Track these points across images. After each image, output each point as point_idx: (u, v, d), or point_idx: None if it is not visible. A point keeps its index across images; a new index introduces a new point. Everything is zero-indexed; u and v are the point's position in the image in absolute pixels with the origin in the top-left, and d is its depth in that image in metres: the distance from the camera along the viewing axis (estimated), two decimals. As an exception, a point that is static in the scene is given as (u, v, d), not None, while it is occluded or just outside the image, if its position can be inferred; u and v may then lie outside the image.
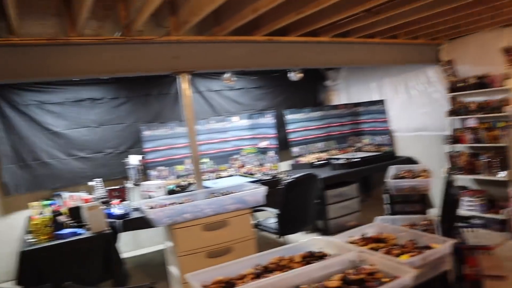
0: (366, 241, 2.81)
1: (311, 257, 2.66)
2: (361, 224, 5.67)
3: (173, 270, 3.77)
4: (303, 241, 2.93)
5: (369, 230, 3.02)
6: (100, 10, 3.49)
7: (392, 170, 4.66)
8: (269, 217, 4.91)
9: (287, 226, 4.43)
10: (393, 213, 4.26)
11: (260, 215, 5.01)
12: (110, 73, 3.60)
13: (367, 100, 7.18)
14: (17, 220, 5.33)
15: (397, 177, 4.50)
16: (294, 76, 6.06)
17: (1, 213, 5.30)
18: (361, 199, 6.28)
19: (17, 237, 5.18)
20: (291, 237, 4.82)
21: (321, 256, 2.70)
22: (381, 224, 3.09)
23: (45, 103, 5.36)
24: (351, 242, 2.81)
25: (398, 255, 2.46)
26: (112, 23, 3.73)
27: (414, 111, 6.45)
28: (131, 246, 5.91)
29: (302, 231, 4.77)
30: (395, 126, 6.82)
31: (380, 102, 6.88)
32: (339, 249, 2.71)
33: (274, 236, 4.72)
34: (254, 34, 4.17)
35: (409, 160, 6.39)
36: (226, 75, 5.89)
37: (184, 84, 3.95)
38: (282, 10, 3.65)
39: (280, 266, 2.59)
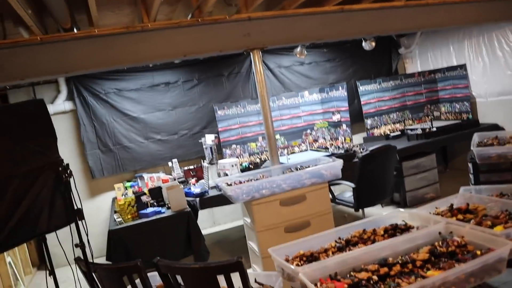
0: (453, 212, 2.66)
1: (394, 230, 2.59)
2: (440, 196, 5.44)
3: (252, 245, 3.85)
4: (385, 213, 2.85)
5: (455, 201, 2.86)
6: (171, -6, 3.56)
7: (477, 137, 4.36)
8: (345, 191, 4.84)
9: (364, 199, 4.34)
10: (479, 183, 4.01)
11: (336, 189, 4.95)
12: (184, 55, 3.68)
13: (445, 66, 6.74)
14: (104, 202, 5.75)
15: (482, 145, 4.21)
16: (368, 45, 5.83)
17: (89, 196, 5.73)
18: (439, 170, 5.98)
19: (104, 217, 5.60)
20: (368, 210, 4.73)
21: (405, 229, 2.61)
22: (467, 195, 2.91)
23: (123, 90, 5.65)
24: (437, 214, 2.69)
25: (490, 227, 2.31)
26: (183, 6, 3.80)
27: (499, 74, 5.95)
28: (208, 223, 6.14)
29: (379, 204, 4.65)
30: (477, 92, 6.35)
31: (460, 67, 6.43)
32: (425, 221, 2.60)
33: (351, 210, 4.66)
34: (325, 5, 4.04)
35: (494, 127, 5.94)
36: (298, 49, 5.81)
37: (256, 61, 3.95)
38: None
39: (363, 239, 2.54)
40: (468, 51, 6.34)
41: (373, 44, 5.83)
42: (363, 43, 5.92)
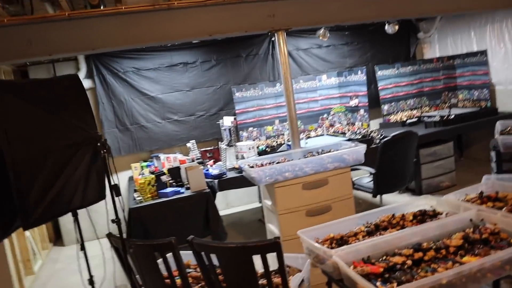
0: (482, 200, 2.66)
1: (423, 216, 2.59)
2: (455, 185, 5.41)
3: (273, 228, 3.88)
4: (412, 198, 2.86)
5: (483, 188, 2.85)
6: (198, -28, 3.52)
7: (499, 126, 4.33)
8: (363, 176, 4.84)
9: (383, 185, 4.33)
10: (501, 171, 3.99)
11: (352, 175, 4.95)
12: (209, 34, 3.65)
13: (465, 52, 6.65)
14: (120, 181, 5.75)
15: (506, 133, 4.17)
16: (391, 28, 5.75)
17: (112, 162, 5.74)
18: (455, 158, 5.95)
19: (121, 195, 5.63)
20: (385, 197, 4.73)
21: (433, 215, 2.61)
22: (496, 182, 2.89)
23: (142, 69, 5.63)
24: (466, 201, 2.68)
25: (523, 215, 2.30)
26: (208, -15, 3.75)
27: (521, 61, 5.87)
28: (222, 205, 6.18)
29: (398, 190, 4.65)
30: (497, 79, 6.27)
31: (480, 53, 6.34)
32: (453, 207, 2.60)
33: (366, 196, 4.66)
34: (350, -14, 3.98)
35: (515, 116, 5.88)
36: (321, 31, 5.74)
37: (280, 43, 3.91)
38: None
39: (392, 224, 2.55)
40: (489, 36, 6.24)
41: (396, 27, 5.75)
42: (386, 27, 5.84)
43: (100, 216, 2.70)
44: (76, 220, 2.50)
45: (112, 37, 3.43)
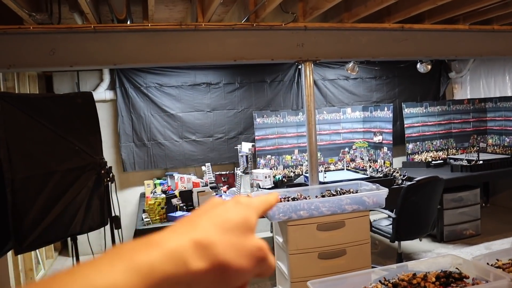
0: (515, 266, 2.41)
1: (448, 278, 2.37)
2: (480, 234, 5.11)
3: (282, 266, 3.66)
4: (435, 256, 2.63)
5: (515, 252, 2.60)
6: (228, -5, 3.43)
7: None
8: (382, 218, 4.60)
9: (403, 231, 4.08)
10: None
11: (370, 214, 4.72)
12: (234, 59, 3.53)
13: (498, 96, 6.39)
14: (132, 196, 5.67)
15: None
16: (423, 67, 5.57)
17: (117, 188, 5.65)
18: (480, 205, 5.66)
19: (131, 211, 5.52)
20: (404, 242, 4.47)
21: (459, 278, 2.38)
22: (530, 247, 2.64)
23: (164, 86, 5.56)
24: (497, 267, 2.44)
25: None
26: (238, 8, 3.66)
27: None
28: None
29: (418, 238, 4.39)
30: (530, 127, 5.99)
31: (515, 98, 6.09)
32: (482, 272, 2.37)
33: (383, 238, 4.41)
34: (385, 21, 3.83)
35: (547, 168, 5.58)
36: (350, 65, 5.60)
37: (307, 73, 3.76)
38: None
39: (412, 284, 2.32)
40: (525, 83, 6.00)
41: (429, 67, 5.57)
42: (418, 65, 5.67)
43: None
44: (74, 244, 2.35)
45: (135, 53, 3.35)
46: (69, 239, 5.54)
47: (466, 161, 5.60)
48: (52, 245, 5.70)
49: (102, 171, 1.92)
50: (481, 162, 5.55)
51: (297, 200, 3.50)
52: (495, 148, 6.46)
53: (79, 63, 3.29)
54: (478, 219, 5.51)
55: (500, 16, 4.18)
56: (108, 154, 5.46)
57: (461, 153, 6.39)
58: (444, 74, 6.91)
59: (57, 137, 1.92)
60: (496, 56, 4.83)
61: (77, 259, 2.46)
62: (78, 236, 2.34)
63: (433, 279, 2.33)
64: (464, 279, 2.33)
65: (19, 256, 4.37)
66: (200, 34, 3.50)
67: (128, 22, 3.39)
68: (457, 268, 2.47)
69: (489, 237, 5.22)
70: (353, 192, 3.63)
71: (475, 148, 6.45)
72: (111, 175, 1.94)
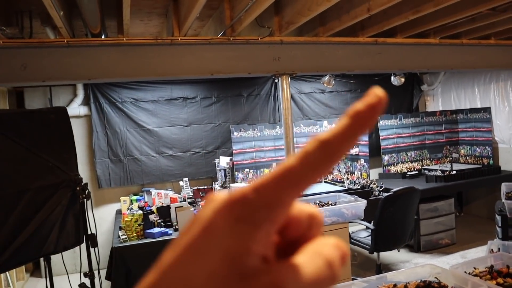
0: (492, 274, 2.45)
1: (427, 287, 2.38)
2: (455, 243, 5.19)
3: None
4: (413, 267, 2.65)
5: (493, 260, 2.65)
6: (204, 10, 3.43)
7: (505, 188, 4.15)
8: (360, 229, 4.62)
9: (382, 242, 4.11)
10: (507, 238, 3.79)
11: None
12: (211, 73, 3.52)
13: (468, 107, 6.58)
14: (107, 213, 5.53)
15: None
16: (397, 80, 5.68)
17: (92, 206, 5.51)
18: (454, 214, 5.77)
19: (106, 228, 5.38)
20: (383, 253, 4.49)
21: (439, 287, 2.40)
22: (507, 255, 2.69)
23: (140, 101, 5.49)
24: (475, 275, 2.48)
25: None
26: (214, 23, 3.67)
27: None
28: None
29: (396, 248, 4.43)
30: (500, 137, 6.17)
31: (484, 109, 6.27)
32: (460, 281, 2.39)
33: (362, 249, 4.43)
34: (359, 35, 3.91)
35: (518, 176, 5.74)
36: (326, 78, 5.66)
37: (284, 87, 3.78)
38: (395, 10, 3.36)
39: (394, 295, 2.33)
40: (494, 94, 6.19)
41: (402, 80, 5.69)
42: (392, 78, 5.78)
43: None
44: (48, 264, 2.26)
45: (110, 68, 3.30)
46: (42, 259, 5.38)
47: (440, 171, 5.71)
48: (24, 266, 5.50)
49: (78, 188, 1.86)
50: (454, 172, 5.67)
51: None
52: (467, 158, 6.62)
53: (52, 78, 3.22)
54: (453, 228, 5.60)
55: (468, 31, 4.32)
56: (83, 171, 5.32)
57: (435, 164, 6.52)
58: (416, 87, 7.07)
59: (29, 153, 1.86)
60: (466, 69, 4.98)
61: (51, 280, 2.37)
62: (52, 256, 2.26)
63: (414, 289, 2.34)
64: (444, 288, 2.35)
65: (-12, 279, 4.19)
66: (177, 49, 3.48)
67: (103, 37, 3.35)
68: (436, 278, 2.49)
69: (464, 246, 5.31)
70: (332, 204, 3.65)
71: (448, 158, 6.59)
72: (87, 191, 1.88)
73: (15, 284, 5.09)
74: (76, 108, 5.31)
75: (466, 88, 6.63)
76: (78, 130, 5.37)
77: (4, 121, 1.89)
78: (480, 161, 6.36)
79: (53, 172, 1.86)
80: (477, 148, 6.46)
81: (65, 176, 1.89)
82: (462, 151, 6.75)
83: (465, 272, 2.52)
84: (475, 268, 2.54)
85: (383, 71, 5.14)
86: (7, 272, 4.83)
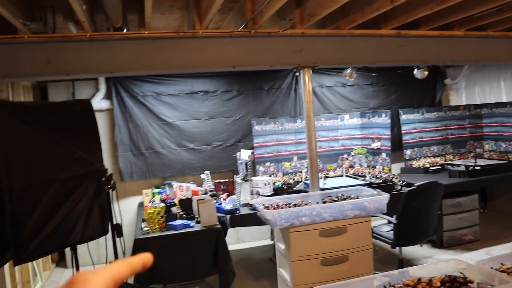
0: (520, 270, 2.38)
1: (452, 283, 2.34)
2: (479, 240, 5.08)
3: (284, 273, 3.62)
4: (436, 262, 2.61)
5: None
6: (225, 3, 3.42)
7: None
8: (382, 224, 4.57)
9: (404, 237, 4.06)
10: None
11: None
12: (233, 66, 3.52)
13: (493, 102, 6.42)
14: (129, 205, 5.61)
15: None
16: (420, 73, 5.58)
17: (115, 198, 5.59)
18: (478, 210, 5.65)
19: (128, 220, 5.46)
20: (405, 248, 4.44)
21: (464, 283, 2.35)
22: (534, 251, 2.62)
23: (161, 94, 5.54)
24: (502, 271, 2.42)
25: None
26: (235, 16, 3.66)
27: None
28: (232, 239, 5.94)
29: (419, 243, 4.36)
30: (527, 132, 6.00)
31: (510, 104, 6.10)
32: (487, 277, 2.34)
33: (383, 244, 4.38)
34: (382, 28, 3.84)
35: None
36: (348, 71, 5.60)
37: (306, 80, 3.76)
38: (419, 1, 3.29)
39: (418, 289, 2.30)
40: (521, 88, 6.02)
41: (426, 73, 5.58)
42: (415, 71, 5.68)
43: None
44: (74, 254, 2.31)
45: (132, 61, 3.33)
46: (68, 249, 5.50)
47: (463, 166, 5.60)
48: (50, 256, 5.62)
49: (103, 179, 1.89)
50: (478, 167, 5.55)
51: (298, 206, 3.47)
52: (492, 153, 6.46)
53: (75, 71, 3.27)
54: (477, 225, 5.49)
55: (495, 22, 4.20)
56: (105, 164, 5.40)
57: (458, 159, 6.39)
58: (439, 81, 6.93)
59: (55, 145, 1.89)
60: (491, 62, 4.86)
61: (77, 269, 2.41)
62: (78, 246, 2.30)
63: (438, 284, 2.29)
64: (469, 284, 2.31)
65: (16, 268, 4.30)
66: (198, 41, 3.49)
67: (125, 31, 3.38)
68: (461, 273, 2.44)
69: (488, 243, 5.20)
70: (354, 198, 3.61)
71: (471, 154, 6.45)
72: (112, 182, 1.91)
73: (42, 274, 5.22)
74: (98, 102, 5.38)
75: (491, 83, 6.46)
76: (100, 124, 5.37)
77: (31, 114, 1.93)
78: (506, 156, 6.20)
79: (79, 163, 1.89)
80: (502, 144, 6.30)
81: (91, 167, 1.92)
82: (486, 146, 6.59)
83: (492, 268, 2.46)
84: (502, 264, 2.48)
85: (406, 64, 5.05)
86: (34, 262, 4.95)
